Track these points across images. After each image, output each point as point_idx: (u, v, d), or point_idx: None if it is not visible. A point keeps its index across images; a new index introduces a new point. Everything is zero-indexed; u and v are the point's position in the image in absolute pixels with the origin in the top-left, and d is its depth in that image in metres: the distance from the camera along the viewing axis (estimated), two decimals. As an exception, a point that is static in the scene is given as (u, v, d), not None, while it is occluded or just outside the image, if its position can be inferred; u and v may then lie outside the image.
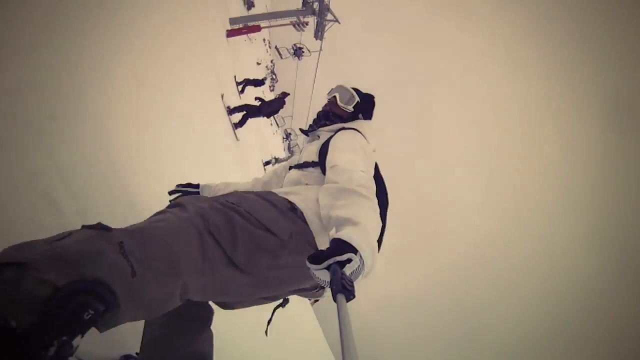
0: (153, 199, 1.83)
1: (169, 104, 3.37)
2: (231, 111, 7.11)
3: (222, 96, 7.02)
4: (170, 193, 1.42)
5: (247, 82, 9.67)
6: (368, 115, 1.47)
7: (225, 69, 8.76)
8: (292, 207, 0.98)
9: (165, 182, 1.77)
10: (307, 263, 0.71)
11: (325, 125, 1.37)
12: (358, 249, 0.73)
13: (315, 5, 12.78)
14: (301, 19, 13.32)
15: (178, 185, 1.44)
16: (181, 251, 0.74)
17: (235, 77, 9.83)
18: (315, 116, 1.45)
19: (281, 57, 17.97)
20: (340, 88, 1.45)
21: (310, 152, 1.28)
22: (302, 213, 0.98)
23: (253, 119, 7.75)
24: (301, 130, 1.47)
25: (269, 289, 0.98)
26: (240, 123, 7.25)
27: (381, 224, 0.96)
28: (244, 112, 7.22)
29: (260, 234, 0.87)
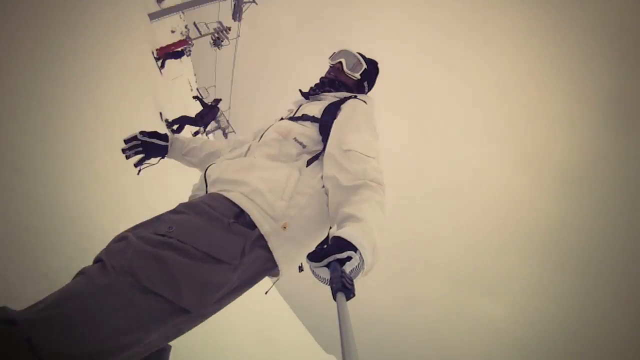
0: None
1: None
2: (169, 124, 7.50)
3: (161, 114, 7.40)
4: (127, 141, 1.21)
5: (167, 56, 10.12)
6: (372, 84, 1.40)
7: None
8: (238, 213, 0.85)
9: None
10: (307, 260, 0.70)
11: (330, 92, 1.27)
12: (358, 247, 0.71)
13: None
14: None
15: (142, 133, 1.23)
16: (114, 329, 0.63)
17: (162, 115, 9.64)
18: (318, 82, 1.33)
19: (200, 34, 16.26)
20: (345, 53, 1.34)
21: (311, 108, 1.17)
22: (250, 217, 0.84)
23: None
24: (300, 91, 1.33)
25: (222, 307, 0.89)
26: (178, 130, 7.67)
27: (385, 216, 0.89)
28: (181, 122, 7.74)
29: (204, 268, 0.73)
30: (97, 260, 0.71)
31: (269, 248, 0.86)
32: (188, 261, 0.71)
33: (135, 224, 0.79)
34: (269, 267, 0.90)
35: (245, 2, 13.50)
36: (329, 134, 1.05)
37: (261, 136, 1.12)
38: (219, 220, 0.80)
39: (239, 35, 15.23)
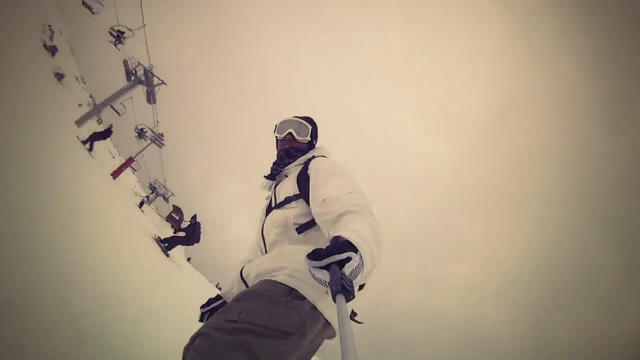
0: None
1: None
2: (161, 241, 8.25)
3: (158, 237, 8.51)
4: (201, 319, 1.30)
5: (94, 138, 10.55)
6: (317, 137, 1.51)
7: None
8: (289, 291, 0.96)
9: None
10: (306, 260, 0.70)
11: (289, 163, 1.36)
12: (358, 247, 0.72)
13: (140, 72, 13.08)
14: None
15: (202, 307, 1.33)
16: None
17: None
18: (276, 158, 1.43)
19: (119, 114, 16.96)
20: (290, 123, 1.44)
21: (287, 188, 1.25)
22: (299, 292, 0.96)
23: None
24: (265, 177, 1.44)
25: None
26: (168, 248, 8.29)
27: (380, 236, 0.91)
28: (172, 241, 8.49)
29: (278, 344, 0.85)
30: (188, 353, 0.84)
31: (319, 311, 0.96)
32: (264, 340, 0.83)
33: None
34: (328, 329, 1.02)
35: (156, 85, 14.18)
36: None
37: (262, 235, 1.24)
38: (277, 300, 0.92)
39: (157, 122, 16.26)
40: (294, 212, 1.17)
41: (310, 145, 1.46)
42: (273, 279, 1.00)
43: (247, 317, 0.86)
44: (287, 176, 1.34)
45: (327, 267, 0.68)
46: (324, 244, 1.05)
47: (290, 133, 1.41)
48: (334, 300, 0.60)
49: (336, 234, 0.79)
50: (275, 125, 1.47)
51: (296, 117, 1.46)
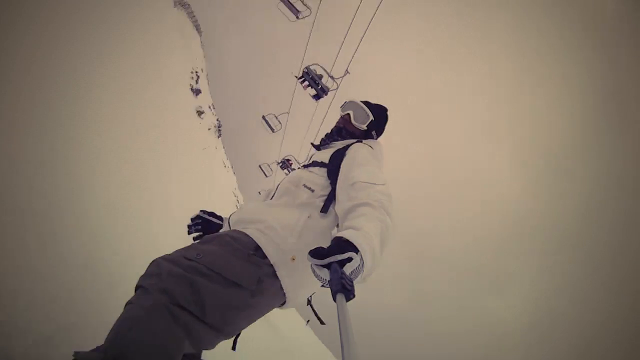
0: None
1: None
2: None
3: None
4: (193, 219, 1.36)
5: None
6: (380, 131, 1.47)
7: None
8: (256, 247, 0.97)
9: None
10: (309, 257, 0.70)
11: (337, 140, 1.39)
12: (359, 248, 0.73)
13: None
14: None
15: (202, 212, 1.38)
16: (162, 342, 0.74)
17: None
18: (329, 131, 1.45)
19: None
20: (353, 104, 1.44)
21: (320, 155, 1.30)
22: (262, 251, 0.96)
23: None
24: (312, 144, 1.48)
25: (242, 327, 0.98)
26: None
27: (389, 235, 0.90)
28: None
29: (227, 292, 0.85)
30: (137, 287, 0.84)
31: (276, 275, 0.96)
32: (214, 285, 0.83)
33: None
34: (281, 296, 1.00)
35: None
36: (335, 176, 1.15)
37: (277, 186, 1.27)
38: (240, 251, 0.93)
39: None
40: (310, 177, 1.19)
41: (367, 134, 1.44)
42: (244, 230, 1.01)
43: (204, 260, 0.86)
44: (329, 148, 1.35)
45: (328, 266, 0.68)
46: (317, 216, 1.08)
47: (348, 114, 1.42)
48: (334, 299, 0.60)
49: (338, 235, 0.78)
50: (345, 102, 1.48)
51: (367, 102, 1.45)
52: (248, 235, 0.99)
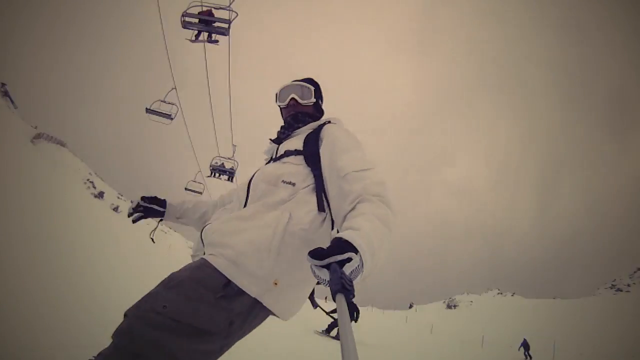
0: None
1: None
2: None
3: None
4: (134, 208, 1.36)
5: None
6: (322, 98, 1.41)
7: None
8: (226, 283, 0.90)
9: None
10: (308, 258, 0.70)
11: (299, 128, 1.28)
12: (358, 249, 0.73)
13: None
14: None
15: (143, 198, 1.37)
16: None
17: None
18: (283, 124, 1.34)
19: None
20: (291, 87, 1.34)
21: (290, 144, 1.21)
22: (235, 285, 0.90)
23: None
24: (272, 140, 1.35)
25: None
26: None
27: (389, 229, 0.88)
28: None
29: (201, 343, 0.84)
30: (113, 336, 0.83)
31: (260, 303, 0.93)
32: (182, 339, 0.81)
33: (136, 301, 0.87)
34: (264, 313, 0.98)
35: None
36: (315, 163, 1.10)
37: (248, 189, 1.14)
38: (204, 296, 0.87)
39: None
40: (287, 169, 1.12)
41: (317, 107, 1.37)
42: (212, 261, 0.93)
43: (171, 311, 0.83)
44: (295, 137, 1.27)
45: (327, 266, 0.68)
46: (305, 210, 1.03)
47: (293, 98, 1.32)
48: (334, 299, 0.60)
49: (337, 235, 0.76)
50: (276, 95, 1.37)
51: (295, 80, 1.36)
52: (216, 269, 0.91)
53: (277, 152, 1.25)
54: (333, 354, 6.13)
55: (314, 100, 1.34)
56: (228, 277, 0.91)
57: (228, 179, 11.65)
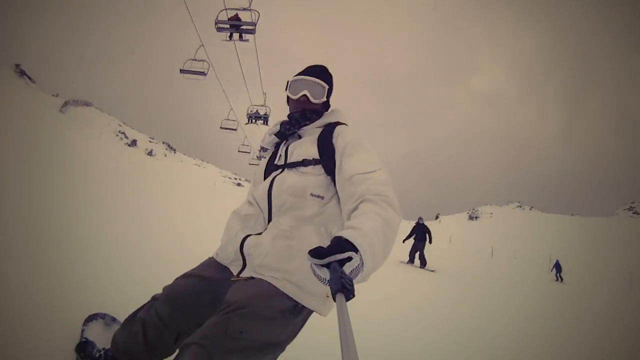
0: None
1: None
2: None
3: None
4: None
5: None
6: (330, 94, 1.36)
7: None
8: (293, 305, 1.03)
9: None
10: (309, 257, 0.71)
11: (305, 125, 1.28)
12: (359, 248, 0.73)
13: None
14: None
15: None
16: None
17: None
18: (287, 119, 1.31)
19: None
20: (305, 82, 1.29)
21: (305, 149, 1.19)
22: (302, 304, 1.04)
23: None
24: (276, 135, 1.33)
25: None
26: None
27: (391, 228, 0.91)
28: None
29: (270, 353, 1.01)
30: None
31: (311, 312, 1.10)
32: (259, 355, 0.97)
33: (203, 328, 0.96)
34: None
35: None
36: (334, 172, 1.13)
37: (269, 199, 1.16)
38: (277, 316, 1.01)
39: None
40: (312, 181, 1.13)
41: (326, 105, 1.36)
42: (278, 285, 1.02)
43: (248, 335, 0.94)
44: (300, 137, 1.27)
45: (327, 265, 0.68)
46: (340, 225, 1.09)
47: (304, 95, 1.28)
48: (334, 298, 0.61)
49: (338, 234, 0.78)
50: (288, 82, 1.32)
51: (311, 73, 1.31)
52: (284, 294, 1.02)
53: (287, 154, 1.24)
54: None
55: (325, 99, 1.33)
56: (295, 299, 1.03)
57: (263, 123, 12.79)
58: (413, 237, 9.03)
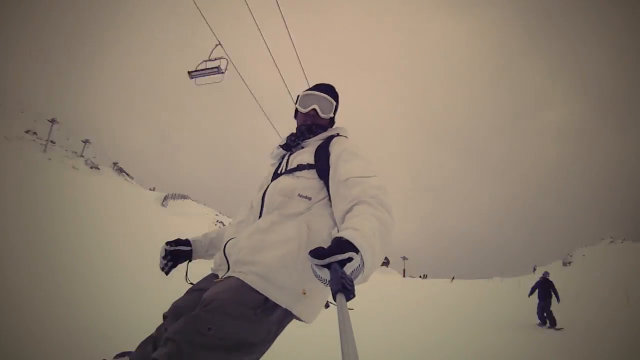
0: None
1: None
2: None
3: None
4: (164, 257, 1.37)
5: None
6: (336, 110, 1.42)
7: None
8: (262, 300, 0.98)
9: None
10: (309, 257, 0.71)
11: (309, 138, 1.33)
12: (359, 248, 0.73)
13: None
14: None
15: (168, 243, 1.38)
16: None
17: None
18: (295, 131, 1.37)
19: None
20: (315, 97, 1.36)
21: (302, 157, 1.25)
22: (270, 300, 0.98)
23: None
24: (282, 146, 1.38)
25: None
26: None
27: (387, 230, 0.92)
28: None
29: (245, 354, 0.95)
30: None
31: (291, 314, 1.04)
32: (228, 354, 0.91)
33: (172, 321, 0.98)
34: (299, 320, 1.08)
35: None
36: (327, 176, 1.15)
37: (262, 200, 1.20)
38: (247, 313, 0.96)
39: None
40: (302, 183, 1.16)
41: (332, 122, 1.41)
42: (245, 279, 0.99)
43: (216, 332, 0.90)
44: (303, 148, 1.31)
45: (328, 266, 0.68)
46: (323, 223, 1.11)
47: (314, 109, 1.33)
48: (334, 299, 0.60)
49: (338, 235, 0.77)
50: (298, 96, 1.39)
51: (320, 89, 1.38)
52: (251, 288, 0.98)
53: (287, 163, 1.28)
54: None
55: (332, 115, 1.40)
56: (261, 292, 0.98)
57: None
58: (536, 293, 8.61)
